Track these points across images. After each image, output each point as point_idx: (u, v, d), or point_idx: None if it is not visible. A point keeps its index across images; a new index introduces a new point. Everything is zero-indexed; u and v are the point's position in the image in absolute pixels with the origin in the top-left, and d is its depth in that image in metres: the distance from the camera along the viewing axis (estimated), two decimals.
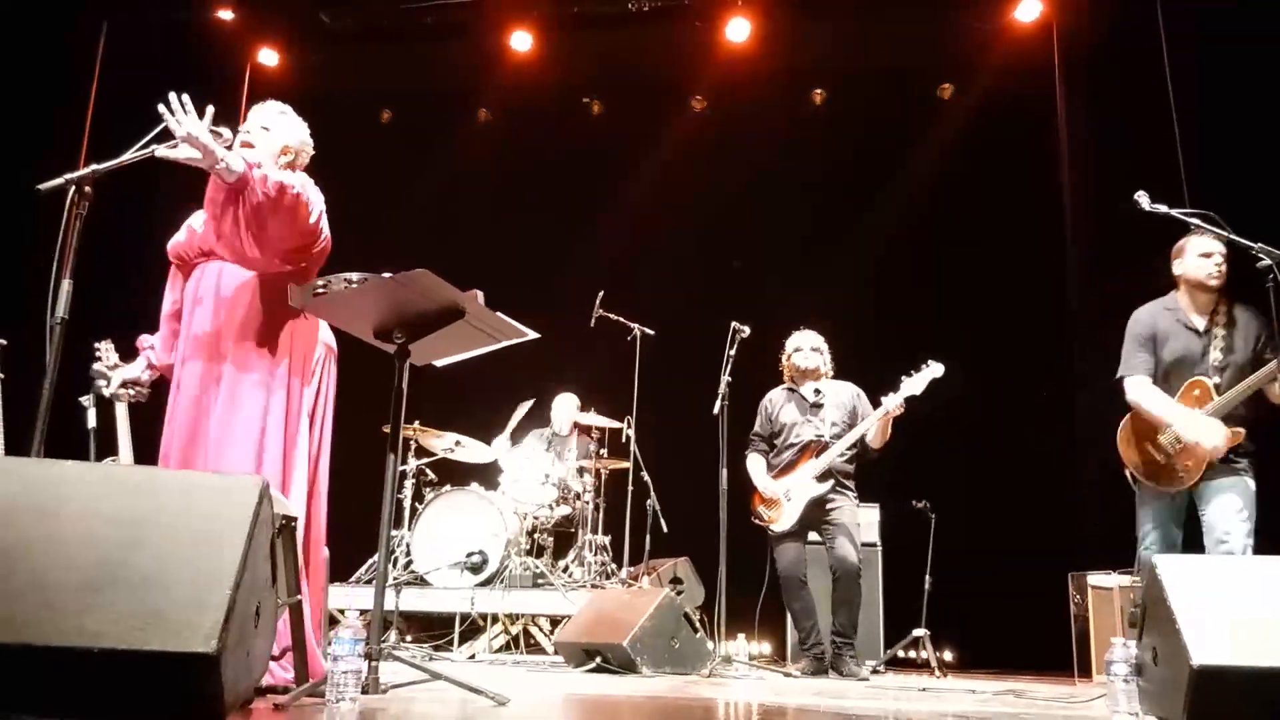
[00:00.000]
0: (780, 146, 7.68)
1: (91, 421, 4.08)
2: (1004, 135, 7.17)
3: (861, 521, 5.25)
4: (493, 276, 3.43)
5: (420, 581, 5.81)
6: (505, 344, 2.96)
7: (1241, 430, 3.60)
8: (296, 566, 2.65)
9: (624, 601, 4.77)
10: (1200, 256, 3.75)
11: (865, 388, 5.15)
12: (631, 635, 4.29)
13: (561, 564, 6.22)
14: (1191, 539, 3.72)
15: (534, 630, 5.68)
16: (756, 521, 5.04)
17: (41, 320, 2.45)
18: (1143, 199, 3.59)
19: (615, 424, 6.42)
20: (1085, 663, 5.31)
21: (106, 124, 6.88)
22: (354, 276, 2.67)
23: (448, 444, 6.29)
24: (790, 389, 5.23)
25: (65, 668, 1.83)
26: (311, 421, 3.04)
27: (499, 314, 2.81)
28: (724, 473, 4.81)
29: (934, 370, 4.85)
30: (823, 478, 4.88)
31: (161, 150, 2.63)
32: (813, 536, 5.01)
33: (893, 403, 4.80)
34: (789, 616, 5.25)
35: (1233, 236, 3.60)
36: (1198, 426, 3.60)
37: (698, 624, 4.85)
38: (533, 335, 2.93)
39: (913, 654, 5.56)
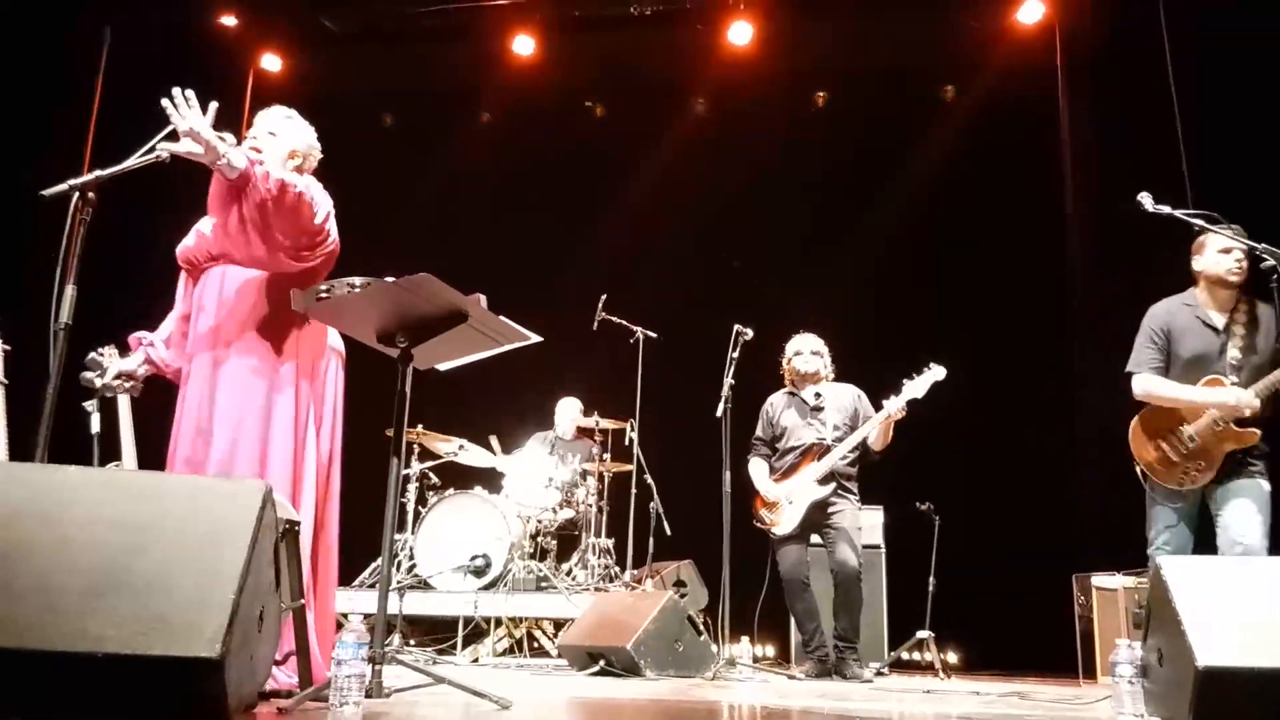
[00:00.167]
0: (782, 147, 7.69)
1: (95, 426, 4.07)
2: (1005, 136, 7.17)
3: (865, 524, 5.25)
4: (495, 279, 3.44)
5: (424, 585, 5.81)
6: (508, 347, 2.97)
7: (1257, 431, 3.58)
8: (300, 571, 2.65)
9: (627, 605, 4.76)
10: (1220, 252, 3.71)
11: (867, 389, 5.15)
12: (635, 638, 4.28)
13: (565, 567, 6.22)
14: (1201, 540, 3.70)
15: (537, 634, 5.68)
16: (758, 525, 5.04)
17: (45, 325, 2.45)
18: (1146, 200, 3.57)
19: (619, 424, 6.42)
20: (1090, 664, 5.30)
21: (110, 129, 6.90)
22: (357, 281, 2.67)
23: (451, 448, 6.30)
24: (791, 393, 5.23)
25: (69, 672, 1.84)
26: (319, 426, 3.05)
27: (502, 317, 2.82)
28: (727, 475, 4.80)
29: (935, 373, 4.84)
30: (824, 481, 4.87)
31: (164, 145, 2.64)
32: (815, 539, 5.01)
33: (894, 406, 4.79)
34: (792, 619, 5.24)
35: (1237, 237, 3.60)
36: (1228, 393, 3.58)
37: (701, 627, 4.84)
38: (535, 338, 2.93)
39: (917, 656, 5.55)
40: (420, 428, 6.17)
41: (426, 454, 6.39)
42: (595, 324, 6.23)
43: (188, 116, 2.60)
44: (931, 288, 7.42)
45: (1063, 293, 6.90)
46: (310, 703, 2.47)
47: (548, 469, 6.17)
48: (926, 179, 7.41)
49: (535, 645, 5.65)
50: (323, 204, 2.98)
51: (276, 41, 7.96)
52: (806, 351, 5.18)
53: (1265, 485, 3.60)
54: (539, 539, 6.14)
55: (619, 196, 7.84)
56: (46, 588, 1.88)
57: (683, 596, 5.46)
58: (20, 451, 3.84)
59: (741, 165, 7.67)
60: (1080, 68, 6.92)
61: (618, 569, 6.18)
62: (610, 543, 6.27)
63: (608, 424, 6.45)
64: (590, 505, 6.28)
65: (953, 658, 6.09)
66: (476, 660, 5.40)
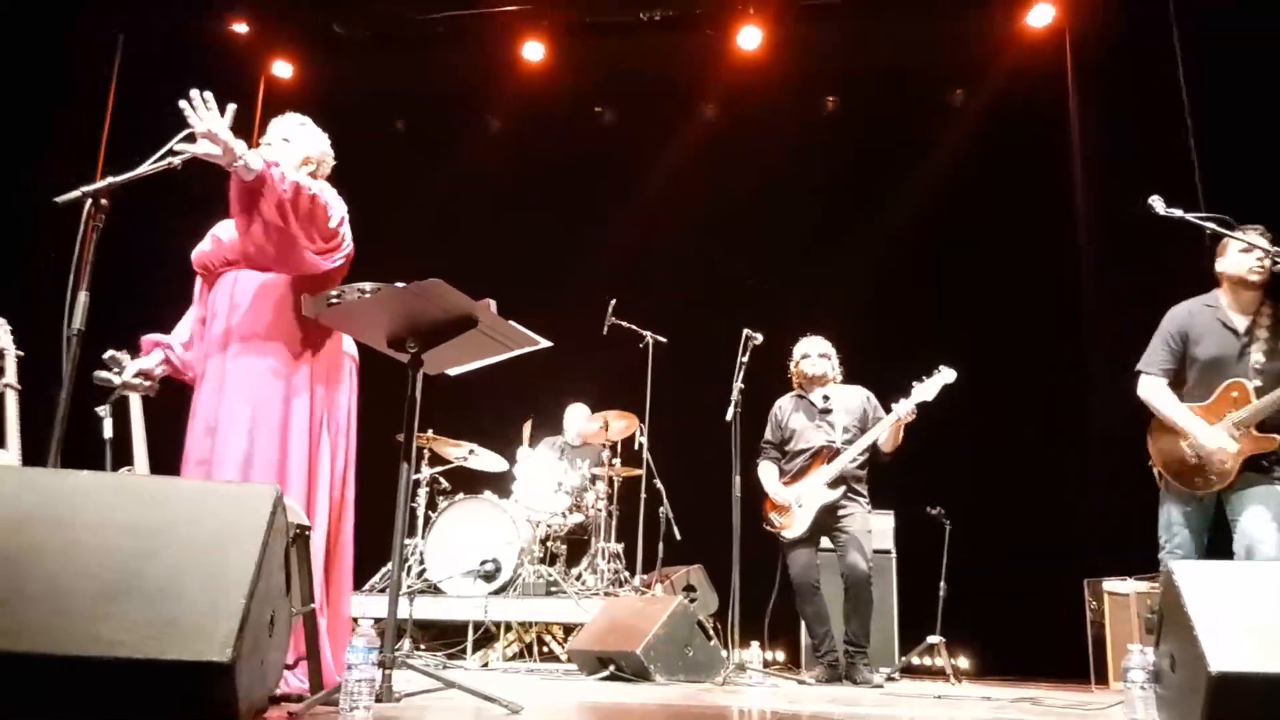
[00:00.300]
0: (791, 152, 7.69)
1: (108, 431, 4.09)
2: (1016, 139, 7.16)
3: (875, 529, 5.24)
4: (504, 284, 3.45)
5: (434, 590, 5.82)
6: (518, 352, 2.97)
7: (1275, 437, 3.54)
8: (310, 575, 2.66)
9: (637, 609, 4.76)
10: (1242, 252, 3.67)
11: (878, 392, 5.14)
12: (645, 643, 4.28)
13: (574, 572, 6.21)
14: (1218, 545, 3.66)
15: (547, 638, 5.68)
16: (768, 528, 5.03)
17: (50, 330, 2.46)
18: (1157, 203, 3.55)
19: (626, 417, 6.41)
20: (1102, 669, 5.28)
21: (122, 135, 6.93)
22: (367, 286, 2.68)
23: (462, 452, 6.31)
24: (799, 395, 5.23)
25: (80, 676, 1.84)
26: (335, 433, 3.06)
27: (512, 322, 2.82)
28: (737, 479, 4.80)
29: (946, 376, 4.84)
30: (834, 484, 4.87)
31: (181, 146, 2.65)
32: (825, 543, 5.00)
33: (904, 408, 4.79)
34: (802, 623, 5.23)
35: (1251, 240, 3.58)
36: (1210, 434, 3.56)
37: (711, 631, 4.84)
38: (545, 344, 2.93)
39: (928, 661, 5.53)
40: (430, 432, 6.19)
41: (437, 459, 6.40)
42: (605, 329, 6.23)
43: (206, 118, 2.62)
44: (940, 291, 7.40)
45: (1073, 296, 6.88)
46: (321, 707, 2.47)
47: (557, 473, 6.18)
48: (936, 182, 7.39)
49: (545, 650, 5.64)
50: (337, 208, 3.00)
51: (287, 48, 8.00)
52: (814, 354, 5.18)
53: None
54: (548, 543, 6.14)
55: (628, 201, 7.85)
56: (58, 592, 1.89)
57: (692, 601, 5.45)
58: (33, 456, 3.87)
59: (751, 170, 7.66)
60: (1090, 71, 6.90)
61: (627, 574, 6.17)
62: (620, 547, 6.26)
63: (617, 423, 6.43)
64: (600, 510, 6.27)
65: (964, 663, 6.07)
66: (486, 665, 5.40)
